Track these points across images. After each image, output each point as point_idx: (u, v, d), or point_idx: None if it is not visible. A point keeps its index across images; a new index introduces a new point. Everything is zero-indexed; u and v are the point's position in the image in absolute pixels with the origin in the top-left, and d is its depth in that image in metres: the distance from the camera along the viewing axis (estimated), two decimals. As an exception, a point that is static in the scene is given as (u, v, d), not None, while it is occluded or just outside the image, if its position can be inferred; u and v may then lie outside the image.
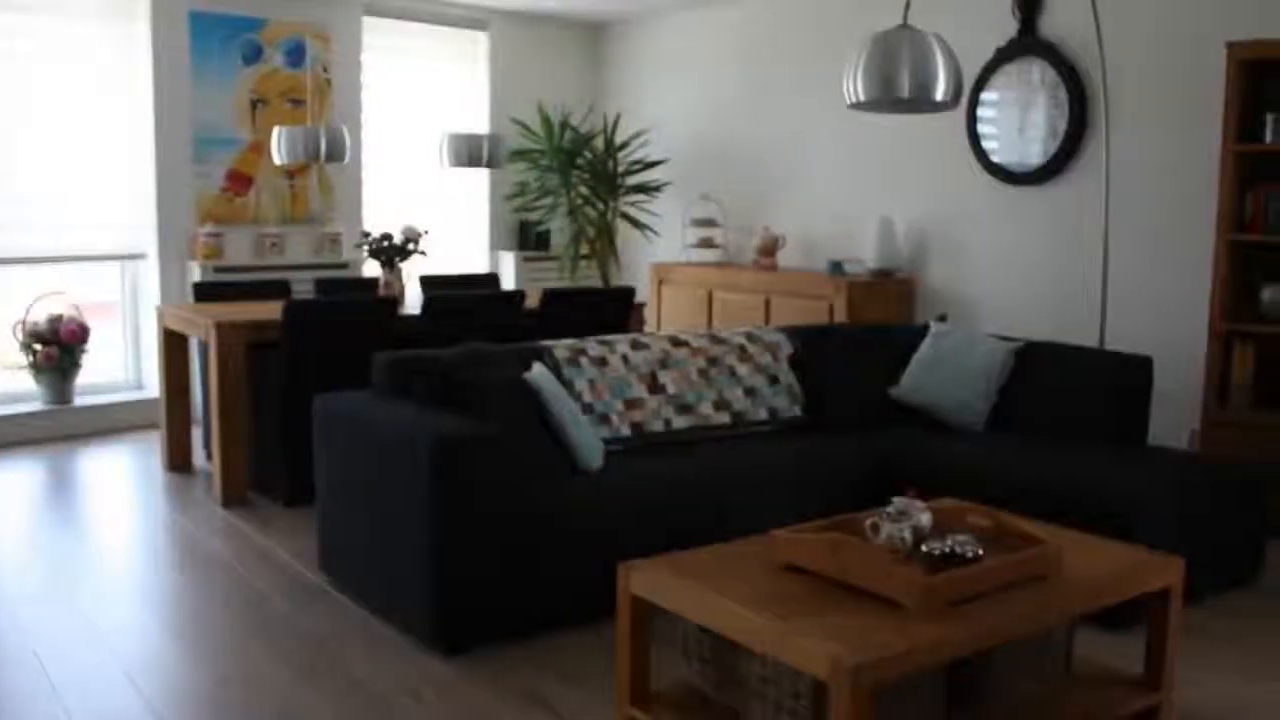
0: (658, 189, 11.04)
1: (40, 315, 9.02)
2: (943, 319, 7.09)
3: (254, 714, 4.30)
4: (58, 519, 6.81)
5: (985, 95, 8.51)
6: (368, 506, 5.21)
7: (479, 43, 11.39)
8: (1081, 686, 4.07)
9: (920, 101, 5.22)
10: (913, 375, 6.73)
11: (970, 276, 8.76)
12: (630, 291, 8.35)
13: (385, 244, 8.49)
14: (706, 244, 10.54)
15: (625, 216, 10.99)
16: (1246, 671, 4.77)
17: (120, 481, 7.69)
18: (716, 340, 6.57)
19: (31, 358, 8.99)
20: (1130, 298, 7.72)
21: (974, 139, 8.61)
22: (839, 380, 6.72)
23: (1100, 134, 7.77)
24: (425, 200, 11.11)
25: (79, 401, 9.24)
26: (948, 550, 3.67)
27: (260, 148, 9.85)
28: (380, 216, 10.65)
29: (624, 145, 11.05)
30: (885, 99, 5.12)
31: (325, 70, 10.24)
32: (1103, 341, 7.27)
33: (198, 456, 8.25)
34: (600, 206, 10.98)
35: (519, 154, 10.92)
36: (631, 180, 11.20)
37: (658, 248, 11.50)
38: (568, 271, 11.07)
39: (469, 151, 9.27)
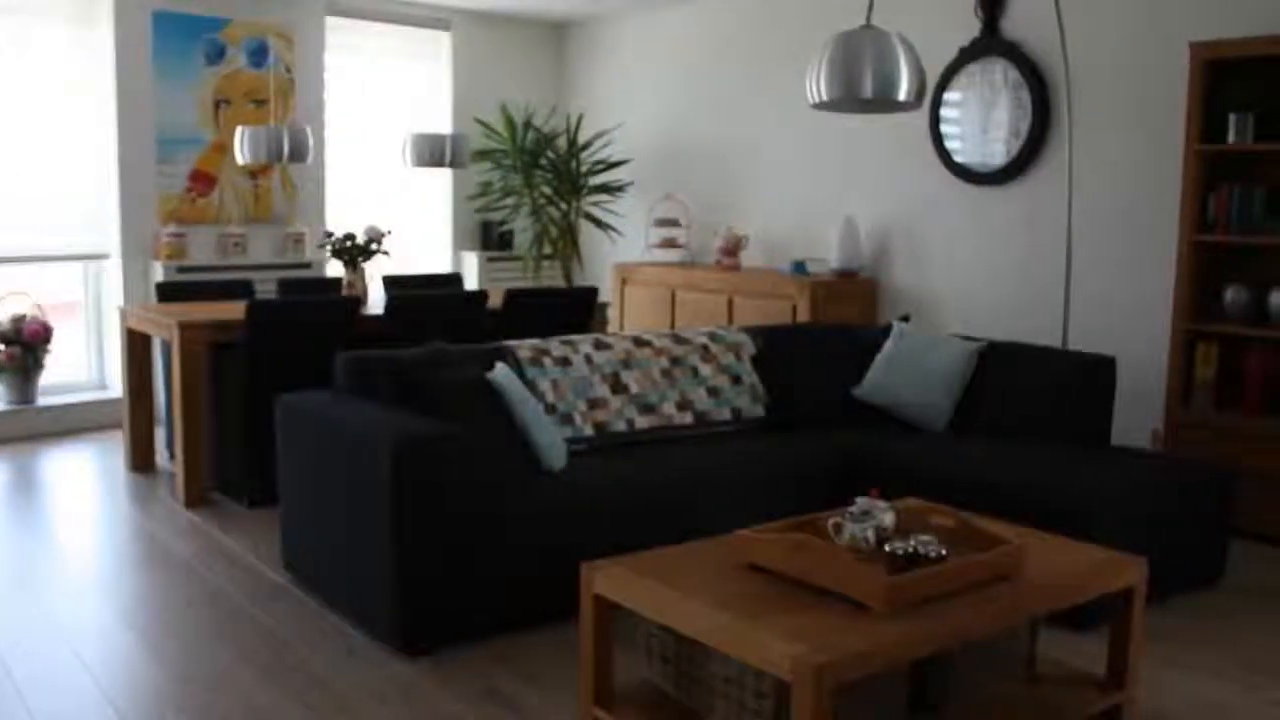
0: (620, 189, 11.04)
1: (3, 315, 8.96)
2: (905, 319, 7.10)
3: (217, 714, 4.28)
4: (20, 519, 6.77)
5: (948, 95, 8.53)
6: (330, 506, 5.20)
7: (442, 43, 11.37)
8: (1044, 687, 4.09)
9: (883, 102, 5.23)
10: (876, 375, 6.74)
11: (933, 276, 8.78)
12: (593, 291, 8.35)
13: (348, 244, 8.46)
14: (669, 244, 10.54)
15: (588, 216, 10.99)
16: (1214, 672, 4.79)
17: (83, 482, 7.64)
18: (679, 340, 6.57)
19: (-8, 358, 8.95)
20: (1093, 298, 7.75)
21: (937, 139, 8.63)
22: (802, 380, 6.73)
23: (1063, 134, 7.81)
24: (388, 200, 11.08)
25: (42, 402, 9.18)
26: (911, 550, 3.68)
27: (223, 148, 9.81)
28: (343, 216, 10.62)
29: (587, 145, 11.05)
30: (848, 99, 5.13)
31: (288, 70, 10.21)
32: (1066, 341, 7.31)
33: (161, 457, 8.21)
34: (563, 206, 10.98)
35: (482, 154, 10.91)
36: (594, 180, 11.21)
37: (621, 248, 11.50)
38: (531, 271, 11.07)
39: (432, 151, 9.25)
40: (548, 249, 11.04)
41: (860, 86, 5.03)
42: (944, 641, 3.38)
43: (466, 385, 5.41)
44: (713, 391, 6.46)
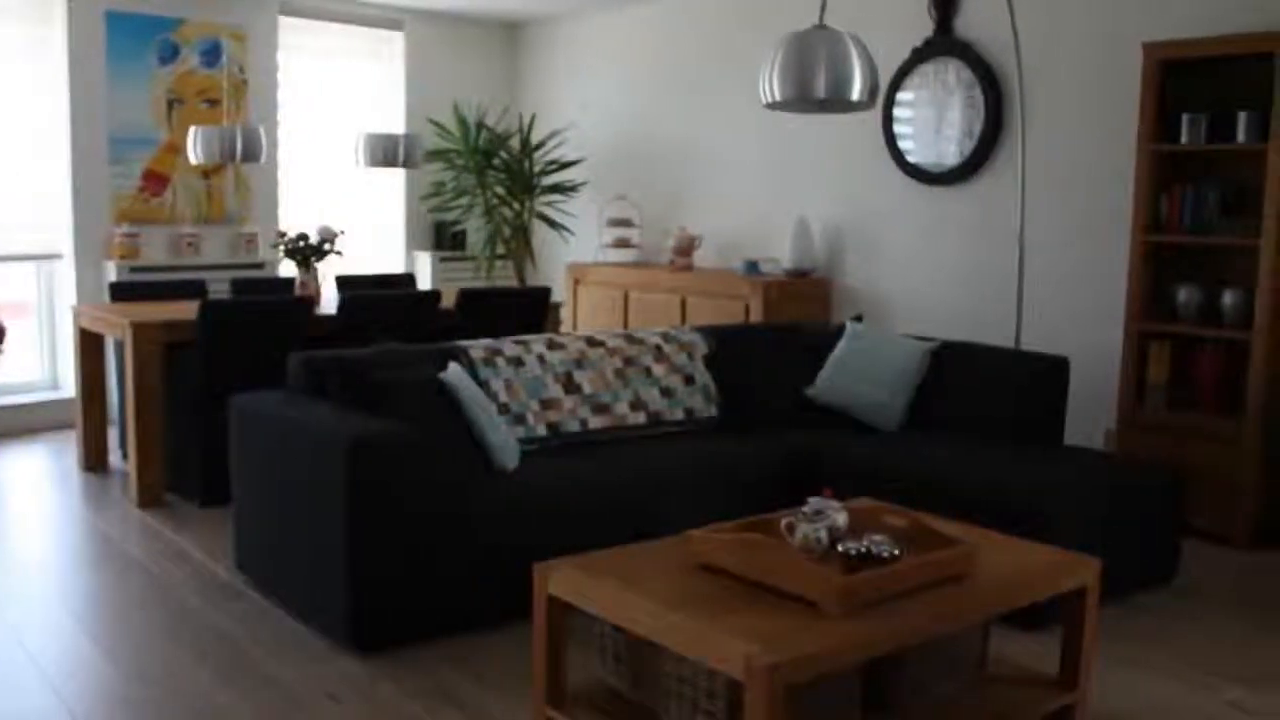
0: (574, 189, 11.03)
1: (-48, 316, 8.91)
2: (859, 319, 7.12)
3: (171, 714, 4.25)
4: (-33, 523, 6.74)
5: (901, 95, 8.56)
6: (283, 507, 5.18)
7: (395, 42, 11.34)
8: (997, 686, 4.11)
9: (836, 102, 5.25)
10: (829, 375, 6.76)
11: (886, 276, 8.80)
12: (546, 291, 8.34)
13: (301, 244, 8.43)
14: (622, 244, 10.54)
15: (541, 216, 10.98)
16: (1167, 671, 4.82)
17: (36, 482, 7.59)
18: (632, 340, 6.56)
19: (-57, 358, 8.88)
20: (1046, 298, 7.78)
21: (890, 139, 8.65)
22: (755, 380, 6.74)
23: (1016, 134, 7.84)
24: (341, 200, 11.04)
25: (-6, 402, 9.14)
26: (864, 550, 3.69)
27: (176, 147, 9.75)
28: (296, 216, 10.56)
29: (540, 145, 11.03)
30: (801, 99, 5.14)
31: (241, 70, 10.16)
32: (1019, 342, 7.34)
33: (114, 457, 8.16)
34: (516, 206, 10.96)
35: (435, 154, 10.87)
36: (547, 180, 11.19)
37: (574, 248, 11.49)
38: (484, 271, 11.04)
39: (385, 151, 9.23)
40: (501, 249, 11.02)
41: (813, 87, 5.05)
42: (897, 641, 3.39)
43: (420, 385, 5.40)
44: (666, 391, 6.46)
